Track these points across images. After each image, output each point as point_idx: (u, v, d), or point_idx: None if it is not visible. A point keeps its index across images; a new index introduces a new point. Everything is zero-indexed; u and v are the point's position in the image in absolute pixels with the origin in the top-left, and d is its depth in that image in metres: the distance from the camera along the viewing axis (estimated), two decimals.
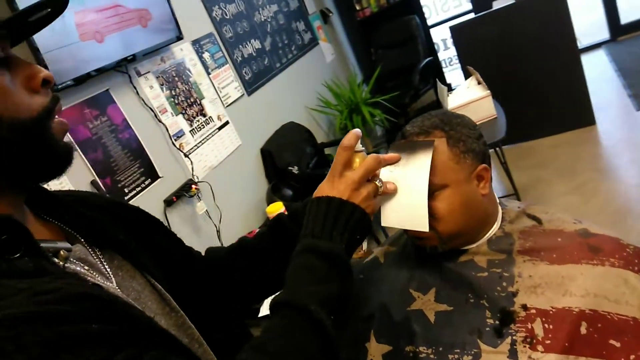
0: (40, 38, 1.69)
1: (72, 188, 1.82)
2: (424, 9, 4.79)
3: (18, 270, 0.48)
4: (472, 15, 3.92)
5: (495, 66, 3.25)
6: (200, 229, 2.42)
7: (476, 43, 3.33)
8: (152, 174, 2.21)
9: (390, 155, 0.80)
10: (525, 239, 0.86)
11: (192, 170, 2.43)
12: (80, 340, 0.45)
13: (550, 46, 3.17)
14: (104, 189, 1.96)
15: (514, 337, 0.78)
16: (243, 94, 3.01)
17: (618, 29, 4.65)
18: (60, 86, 1.77)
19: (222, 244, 2.45)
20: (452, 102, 2.55)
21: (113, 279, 0.62)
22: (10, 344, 0.40)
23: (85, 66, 1.88)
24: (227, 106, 2.83)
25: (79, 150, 1.90)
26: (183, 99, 2.52)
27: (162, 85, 2.41)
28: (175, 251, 0.80)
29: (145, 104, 2.27)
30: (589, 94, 3.26)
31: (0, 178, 0.53)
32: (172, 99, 2.45)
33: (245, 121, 2.93)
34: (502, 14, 3.25)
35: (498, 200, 0.94)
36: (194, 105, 2.59)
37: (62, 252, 0.57)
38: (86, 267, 0.59)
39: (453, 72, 5.43)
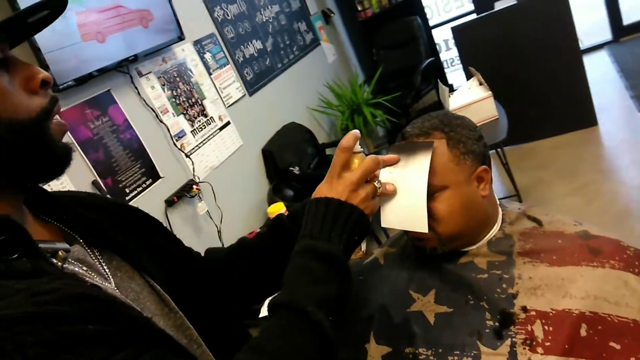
0: (42, 38, 1.69)
1: (73, 188, 1.83)
2: (426, 10, 4.79)
3: (16, 270, 0.48)
4: (474, 16, 3.92)
5: (497, 67, 3.25)
6: (201, 230, 2.42)
7: (478, 44, 3.33)
8: (153, 174, 2.21)
9: (390, 156, 0.80)
10: (526, 241, 0.85)
11: (193, 171, 2.43)
12: (79, 340, 0.45)
13: (552, 47, 3.16)
14: (105, 189, 1.96)
15: (513, 339, 0.77)
16: (244, 95, 3.01)
17: (620, 30, 4.64)
18: (61, 86, 1.78)
19: (223, 245, 2.45)
20: (454, 103, 2.55)
21: (112, 279, 0.62)
22: (9, 344, 0.41)
23: (86, 66, 1.89)
24: (229, 106, 2.84)
25: (80, 150, 1.91)
26: (184, 99, 2.52)
27: (164, 85, 2.41)
28: (174, 252, 0.80)
29: (147, 104, 2.28)
30: (590, 95, 3.25)
31: None
32: (174, 100, 2.45)
33: (246, 121, 2.93)
34: (504, 15, 3.24)
35: (498, 202, 0.94)
36: (195, 106, 2.59)
37: (60, 253, 0.57)
38: (84, 268, 0.59)
39: (455, 73, 5.43)
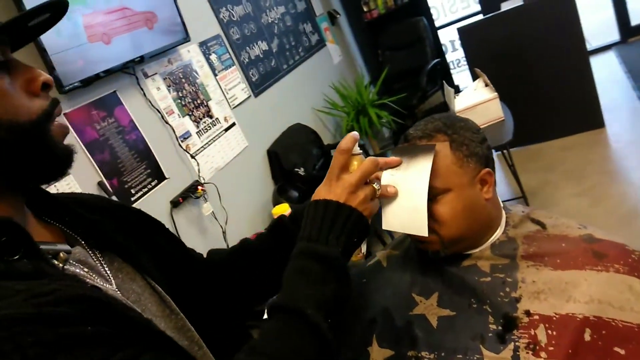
0: (48, 40, 1.70)
1: (79, 189, 1.84)
2: (432, 11, 4.78)
3: (17, 271, 0.49)
4: (480, 17, 3.91)
5: (503, 68, 3.24)
6: (206, 230, 2.43)
7: (484, 45, 3.31)
8: (158, 175, 2.22)
9: (392, 158, 0.79)
10: (529, 244, 0.85)
11: (199, 172, 2.44)
12: (78, 341, 0.45)
13: (559, 48, 3.15)
14: (110, 190, 1.97)
15: (516, 343, 0.77)
16: (250, 96, 3.02)
17: (628, 31, 4.60)
18: (67, 87, 1.79)
19: (227, 246, 2.46)
20: (459, 104, 2.54)
21: (113, 281, 0.63)
22: (8, 344, 0.41)
23: (92, 68, 1.90)
24: (234, 108, 2.84)
25: (86, 151, 1.92)
26: (190, 100, 2.53)
27: (169, 86, 2.42)
28: (175, 253, 0.80)
29: (152, 105, 2.29)
30: (598, 96, 3.22)
31: (0, 180, 0.54)
32: (179, 101, 2.46)
33: (251, 123, 2.94)
34: (510, 16, 3.23)
35: (502, 205, 0.94)
36: (201, 107, 2.60)
37: (61, 254, 0.57)
38: (86, 269, 0.59)
39: (461, 74, 5.41)
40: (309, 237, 0.65)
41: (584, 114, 3.30)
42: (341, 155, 0.69)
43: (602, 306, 0.74)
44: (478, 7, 4.51)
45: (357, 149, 0.71)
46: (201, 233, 2.40)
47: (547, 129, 3.41)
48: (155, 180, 2.20)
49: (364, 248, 0.75)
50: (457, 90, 4.48)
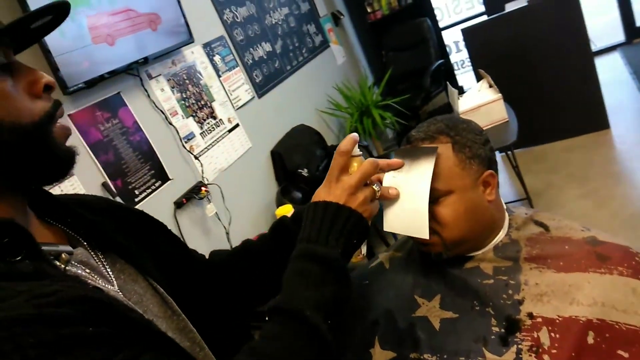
0: (52, 41, 1.71)
1: (83, 190, 1.84)
2: (436, 11, 4.77)
3: (18, 272, 0.49)
4: (484, 18, 3.90)
5: (508, 69, 3.23)
6: (210, 231, 2.43)
7: (488, 45, 3.31)
8: (162, 176, 2.23)
9: (393, 160, 0.79)
10: (532, 246, 0.85)
11: (202, 173, 2.45)
12: (79, 342, 0.45)
13: (563, 49, 3.13)
14: (115, 191, 1.98)
15: (519, 346, 0.76)
16: (253, 97, 3.02)
17: (633, 32, 4.58)
18: (71, 89, 1.80)
19: (231, 246, 2.46)
20: (463, 105, 2.54)
21: (115, 282, 0.63)
22: (9, 345, 0.41)
23: (97, 69, 1.91)
24: (238, 109, 2.85)
25: (90, 152, 1.93)
26: (194, 101, 2.54)
27: (173, 88, 2.43)
28: (177, 255, 0.80)
29: (156, 106, 2.29)
30: (602, 98, 3.21)
31: (2, 181, 0.54)
32: (183, 102, 2.47)
33: (255, 124, 2.94)
34: (515, 17, 3.22)
35: (505, 207, 0.93)
36: (205, 108, 2.60)
37: (63, 255, 0.57)
38: (87, 270, 0.60)
39: (465, 75, 5.40)
40: (308, 238, 0.65)
41: (589, 115, 3.28)
42: (340, 157, 0.69)
43: (605, 309, 0.73)
44: (482, 8, 4.50)
45: (356, 151, 0.71)
46: (205, 234, 2.40)
47: (552, 130, 3.40)
48: (159, 181, 2.20)
49: (364, 249, 0.75)
50: (462, 91, 4.47)
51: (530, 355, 0.75)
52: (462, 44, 4.90)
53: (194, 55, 2.63)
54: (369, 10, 4.70)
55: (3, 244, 0.50)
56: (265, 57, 3.24)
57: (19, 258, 0.50)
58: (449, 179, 0.83)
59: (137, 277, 0.67)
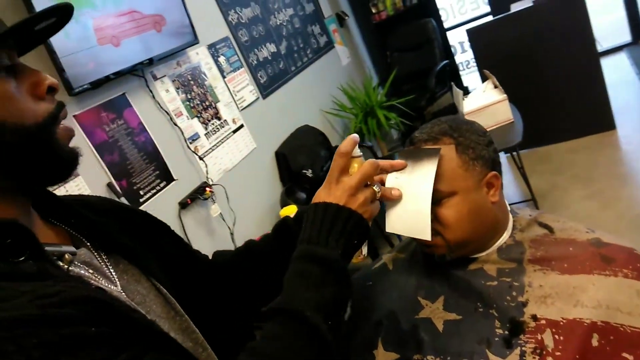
0: (58, 42, 1.72)
1: (88, 190, 1.85)
2: (441, 12, 4.76)
3: (22, 273, 0.49)
4: (490, 18, 3.89)
5: (513, 69, 3.22)
6: (214, 232, 2.43)
7: (494, 46, 3.30)
8: (167, 177, 2.23)
9: (396, 161, 0.79)
10: (536, 248, 0.84)
11: (207, 173, 2.45)
12: (80, 342, 0.45)
13: (569, 49, 3.12)
14: (120, 191, 1.98)
15: (523, 348, 0.76)
16: (258, 98, 3.02)
17: None
18: (77, 90, 1.81)
19: (235, 247, 2.46)
20: (468, 106, 2.53)
21: (118, 282, 0.63)
22: (11, 345, 0.41)
23: (102, 70, 1.92)
24: (242, 109, 2.85)
25: (95, 153, 1.93)
26: (198, 102, 2.54)
27: (178, 88, 2.44)
28: (181, 255, 0.80)
29: (161, 107, 2.30)
30: (608, 98, 3.19)
31: (5, 182, 0.54)
32: (188, 103, 2.47)
33: (260, 124, 2.95)
34: (520, 17, 3.21)
35: (509, 208, 0.93)
36: (209, 109, 2.61)
37: (66, 256, 0.58)
38: (90, 271, 0.60)
39: (470, 75, 5.38)
40: (308, 239, 0.65)
41: (595, 115, 3.26)
42: (340, 158, 0.69)
43: (610, 311, 0.73)
44: (487, 8, 4.49)
45: (357, 151, 0.71)
46: (209, 234, 2.41)
47: (557, 131, 3.38)
48: (164, 182, 2.21)
49: (365, 250, 0.75)
50: (467, 91, 4.45)
51: (534, 358, 0.75)
52: (467, 45, 4.88)
53: (199, 56, 2.63)
54: (373, 10, 4.70)
55: (6, 244, 0.50)
56: (269, 58, 3.24)
57: (23, 258, 0.51)
58: (452, 180, 0.82)
59: (140, 278, 0.67)
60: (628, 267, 0.76)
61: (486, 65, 3.10)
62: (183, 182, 2.30)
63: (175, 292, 0.69)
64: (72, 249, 0.60)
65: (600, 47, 4.13)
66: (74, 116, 1.88)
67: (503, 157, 3.39)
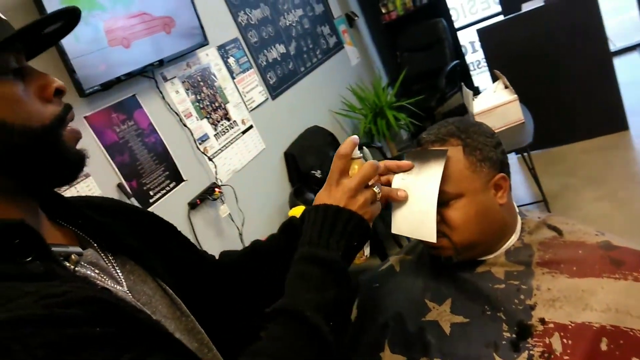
0: (69, 44, 1.74)
1: (99, 191, 1.87)
2: (452, 12, 4.74)
3: (28, 273, 0.50)
4: (501, 18, 3.86)
5: (524, 69, 3.19)
6: (223, 232, 2.44)
7: (504, 46, 3.27)
8: (176, 178, 2.25)
9: (403, 162, 0.79)
10: (545, 251, 0.83)
11: (216, 174, 2.46)
12: (85, 342, 0.45)
13: (581, 49, 3.09)
14: (130, 192, 2.00)
15: (531, 352, 0.75)
16: (267, 98, 3.03)
17: None
18: (88, 91, 1.82)
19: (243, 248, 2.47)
20: (478, 106, 2.51)
21: (124, 283, 0.64)
22: (17, 344, 0.42)
23: (112, 71, 1.93)
24: (251, 110, 2.86)
25: (106, 153, 1.95)
26: (208, 103, 2.55)
27: (188, 90, 2.45)
28: (187, 256, 0.81)
29: (171, 108, 2.32)
30: (621, 98, 3.15)
31: (13, 184, 0.55)
32: (197, 104, 2.49)
33: (269, 125, 2.95)
34: (531, 16, 3.17)
35: (517, 210, 0.92)
36: (219, 110, 2.62)
37: (73, 256, 0.58)
38: (97, 271, 0.60)
39: (481, 75, 5.35)
40: (309, 241, 0.66)
41: (607, 116, 3.22)
42: (340, 160, 0.70)
43: (619, 315, 0.72)
44: (498, 8, 4.45)
45: (357, 153, 0.72)
46: (218, 235, 2.42)
47: (569, 132, 3.34)
48: (174, 182, 2.23)
49: (366, 251, 0.75)
50: (477, 92, 4.43)
51: None
52: (478, 44, 4.86)
53: (209, 57, 2.65)
54: (383, 11, 4.69)
55: (14, 244, 0.51)
56: (279, 59, 3.25)
57: (30, 259, 0.51)
58: (459, 181, 0.82)
59: (147, 278, 0.67)
60: (638, 270, 0.75)
61: (497, 65, 3.07)
62: (192, 182, 2.31)
63: (181, 292, 0.69)
64: (79, 249, 0.60)
65: (614, 46, 4.07)
66: (85, 117, 1.90)
67: (514, 158, 3.36)
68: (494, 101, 2.49)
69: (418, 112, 3.75)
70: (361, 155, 0.73)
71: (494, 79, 3.05)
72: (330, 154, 3.26)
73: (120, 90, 2.07)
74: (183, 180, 2.27)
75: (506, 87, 2.58)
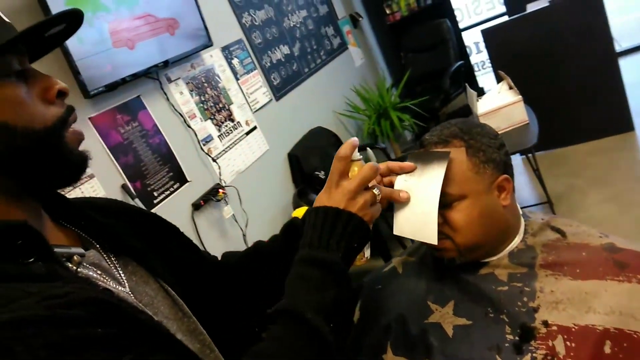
0: (73, 46, 1.75)
1: (103, 191, 1.88)
2: (456, 12, 4.73)
3: (31, 274, 0.50)
4: (505, 18, 3.85)
5: (529, 70, 3.18)
6: (227, 233, 2.45)
7: (509, 46, 3.26)
8: (180, 178, 2.25)
9: (405, 163, 0.79)
10: (548, 253, 0.83)
11: (220, 175, 2.47)
12: (87, 343, 0.46)
13: (586, 49, 3.07)
14: (134, 193, 2.01)
15: (534, 355, 0.75)
16: (271, 99, 3.04)
17: None
18: (93, 92, 1.83)
19: None
20: (483, 107, 2.50)
21: (127, 284, 0.64)
22: (19, 345, 0.42)
23: (117, 73, 1.94)
24: (255, 111, 2.86)
25: (110, 154, 1.96)
26: (212, 104, 2.56)
27: (192, 91, 2.46)
28: (189, 257, 0.81)
29: (175, 109, 2.32)
30: (627, 99, 3.13)
31: (15, 185, 0.55)
32: (201, 105, 2.49)
33: (273, 126, 2.96)
34: (536, 17, 3.16)
35: (521, 212, 0.92)
36: (223, 111, 2.62)
37: (75, 257, 0.58)
38: (99, 272, 0.61)
39: (486, 76, 5.33)
40: (309, 243, 0.66)
41: (613, 117, 3.20)
42: (339, 162, 0.70)
43: (623, 318, 0.71)
44: (503, 9, 4.44)
45: (356, 155, 0.72)
46: (222, 236, 2.42)
47: (574, 133, 3.33)
48: (178, 183, 2.23)
49: (367, 253, 0.75)
50: (482, 92, 4.41)
51: None
52: (482, 45, 4.84)
53: (213, 58, 2.65)
54: (387, 12, 4.68)
55: (16, 245, 0.51)
56: (283, 60, 3.25)
57: (32, 260, 0.51)
58: (462, 183, 0.82)
59: (149, 279, 0.68)
60: None
61: (501, 65, 3.06)
62: (196, 183, 2.32)
63: (183, 293, 0.69)
64: (81, 250, 0.61)
65: (619, 47, 4.05)
66: (90, 118, 1.91)
67: (518, 159, 3.34)
68: (498, 102, 2.48)
69: (422, 113, 3.74)
70: (361, 157, 0.73)
71: (499, 79, 3.04)
72: (333, 155, 3.26)
73: (124, 92, 2.07)
74: (187, 181, 2.28)
75: (511, 88, 2.58)
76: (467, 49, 4.99)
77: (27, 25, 0.53)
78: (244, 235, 2.50)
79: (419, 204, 0.77)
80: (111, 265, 0.64)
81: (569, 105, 3.24)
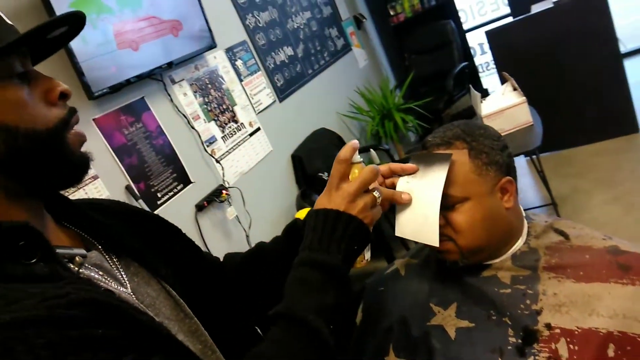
0: (78, 47, 1.76)
1: (107, 192, 1.88)
2: (460, 14, 4.72)
3: (33, 275, 0.50)
4: (510, 19, 3.84)
5: (533, 71, 3.17)
6: (230, 234, 2.45)
7: (513, 48, 3.25)
8: (184, 179, 2.26)
9: (407, 165, 0.79)
10: (551, 255, 0.82)
11: (223, 176, 2.47)
12: (87, 343, 0.46)
13: (591, 50, 3.06)
14: (138, 194, 2.01)
15: (536, 357, 0.75)
16: (275, 101, 3.04)
17: None
18: (97, 94, 1.84)
19: None
20: (486, 108, 2.50)
21: (128, 284, 0.64)
22: (20, 345, 0.42)
23: (121, 74, 1.95)
24: (259, 113, 2.87)
25: (114, 155, 1.97)
26: (215, 105, 2.57)
27: (196, 92, 2.46)
28: (191, 258, 0.81)
29: (179, 110, 2.33)
30: (632, 100, 3.12)
31: (17, 186, 0.56)
32: (205, 106, 2.50)
33: (276, 127, 2.96)
34: (540, 18, 3.16)
35: (524, 214, 0.91)
36: (226, 112, 2.63)
37: (77, 258, 0.59)
38: (101, 273, 0.61)
39: (490, 77, 5.32)
40: (309, 246, 0.66)
41: (617, 118, 3.19)
42: (340, 165, 0.70)
43: (627, 321, 0.71)
44: (507, 10, 4.43)
45: (357, 157, 0.72)
46: (225, 237, 2.42)
47: (578, 134, 3.32)
48: (181, 185, 2.23)
49: (367, 255, 0.75)
50: (486, 94, 4.40)
51: None
52: (486, 46, 4.84)
53: (217, 60, 2.66)
54: (391, 13, 4.68)
55: (18, 246, 0.51)
56: (286, 61, 3.26)
57: (34, 260, 0.52)
58: (465, 185, 0.81)
59: (151, 280, 0.68)
60: None
61: (506, 67, 3.05)
62: (200, 184, 2.32)
63: (184, 294, 0.70)
64: (83, 251, 0.61)
65: (624, 48, 4.03)
66: (94, 120, 1.91)
67: (523, 161, 3.33)
68: (502, 103, 2.47)
69: (426, 115, 3.74)
70: (361, 159, 0.73)
71: (503, 81, 3.03)
72: None
73: (128, 93, 2.08)
74: (190, 182, 2.28)
75: (515, 89, 2.57)
76: (472, 50, 4.98)
77: (32, 26, 0.53)
78: (247, 237, 2.50)
79: (421, 205, 0.77)
80: (113, 266, 0.64)
81: (573, 107, 3.23)
